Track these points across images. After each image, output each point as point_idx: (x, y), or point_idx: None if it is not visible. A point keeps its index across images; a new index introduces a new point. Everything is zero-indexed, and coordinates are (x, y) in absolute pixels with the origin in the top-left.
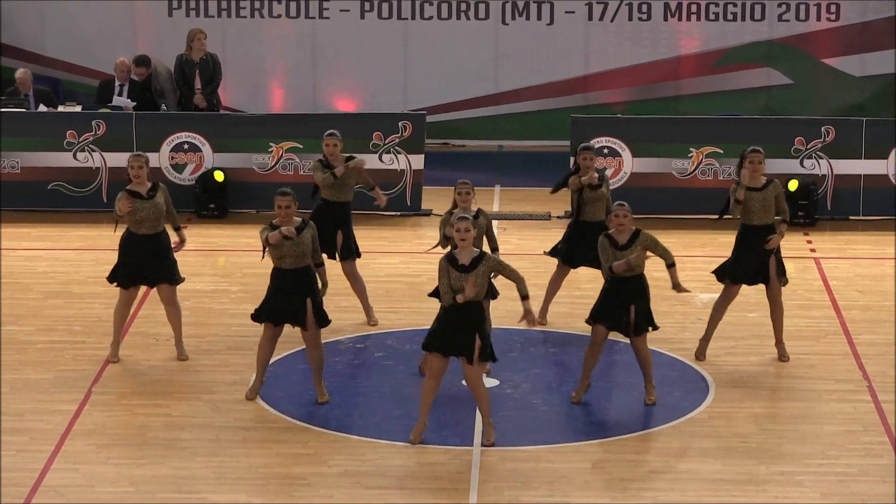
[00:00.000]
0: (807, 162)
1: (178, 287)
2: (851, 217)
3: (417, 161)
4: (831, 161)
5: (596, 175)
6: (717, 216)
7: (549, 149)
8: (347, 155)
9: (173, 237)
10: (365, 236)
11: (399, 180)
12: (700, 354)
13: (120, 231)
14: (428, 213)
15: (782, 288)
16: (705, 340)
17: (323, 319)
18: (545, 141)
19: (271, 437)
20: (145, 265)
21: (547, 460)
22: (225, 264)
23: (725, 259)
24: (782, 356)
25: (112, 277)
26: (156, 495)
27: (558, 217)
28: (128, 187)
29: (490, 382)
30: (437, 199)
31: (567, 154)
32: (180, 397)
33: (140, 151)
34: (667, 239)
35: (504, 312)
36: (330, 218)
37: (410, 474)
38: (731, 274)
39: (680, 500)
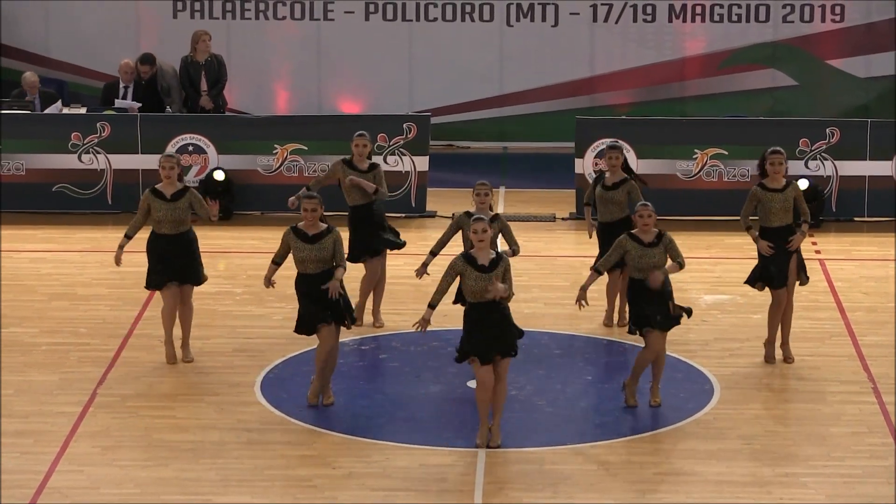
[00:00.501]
0: (812, 163)
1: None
2: (856, 218)
3: (422, 163)
4: (836, 162)
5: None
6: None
7: (554, 150)
8: (371, 162)
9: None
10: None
11: (404, 182)
12: (769, 358)
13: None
14: (433, 215)
15: (798, 287)
16: (770, 344)
17: (350, 318)
18: (550, 143)
19: (276, 439)
20: (169, 264)
21: (552, 462)
22: (225, 268)
23: (753, 265)
24: (787, 358)
25: (147, 284)
26: (160, 497)
27: (563, 219)
28: (156, 186)
29: None
30: (442, 201)
31: (571, 156)
32: (185, 399)
33: (172, 153)
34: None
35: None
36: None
37: (415, 476)
38: (768, 278)
39: (685, 502)
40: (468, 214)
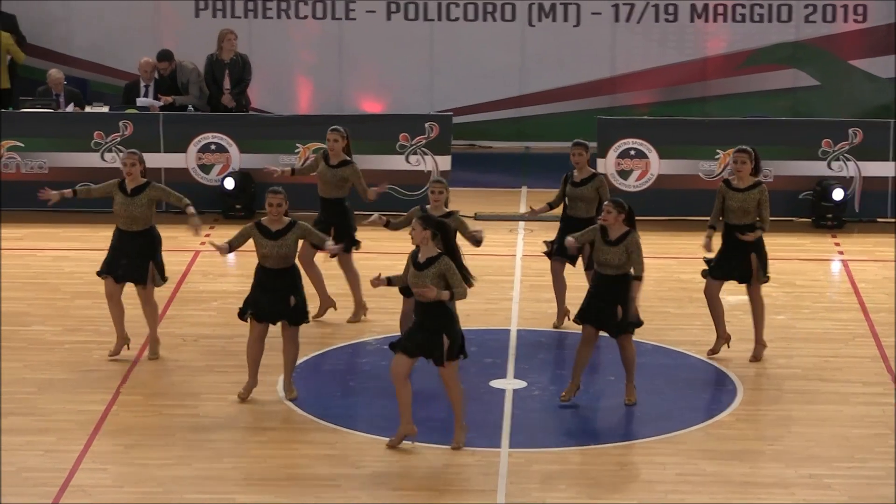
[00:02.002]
0: (834, 164)
1: (204, 288)
2: (879, 219)
3: (444, 162)
4: (859, 163)
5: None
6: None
7: None
8: (343, 159)
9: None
10: (390, 237)
11: (425, 181)
12: (714, 351)
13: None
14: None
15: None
16: (720, 339)
17: (302, 318)
18: (571, 142)
19: (298, 438)
20: (119, 261)
21: (574, 462)
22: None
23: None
24: (757, 357)
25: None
26: (183, 496)
27: None
28: (120, 180)
29: (518, 384)
30: (464, 201)
31: (593, 156)
32: (207, 398)
33: (135, 150)
34: (694, 241)
35: (530, 314)
36: (325, 214)
37: (437, 476)
38: (709, 270)
39: (707, 503)
40: (422, 210)
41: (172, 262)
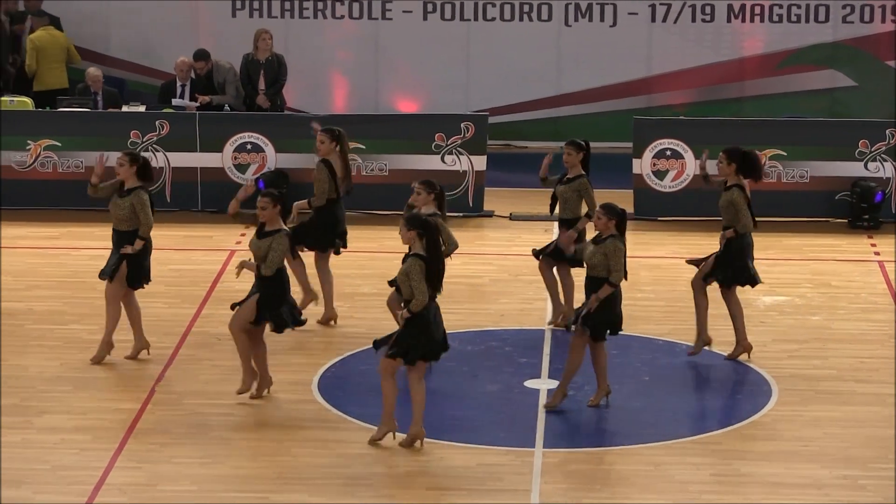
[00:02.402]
0: (871, 165)
1: (239, 287)
2: None
3: (479, 162)
4: None
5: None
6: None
7: (611, 151)
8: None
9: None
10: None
11: (461, 182)
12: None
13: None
14: (490, 215)
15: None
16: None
17: (261, 319)
18: (607, 143)
19: (333, 438)
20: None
21: (608, 462)
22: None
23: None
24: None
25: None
26: (218, 495)
27: None
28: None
29: (552, 384)
30: (500, 201)
31: (629, 156)
32: (242, 397)
33: (131, 151)
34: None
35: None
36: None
37: (472, 475)
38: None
39: (741, 503)
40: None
41: (208, 261)
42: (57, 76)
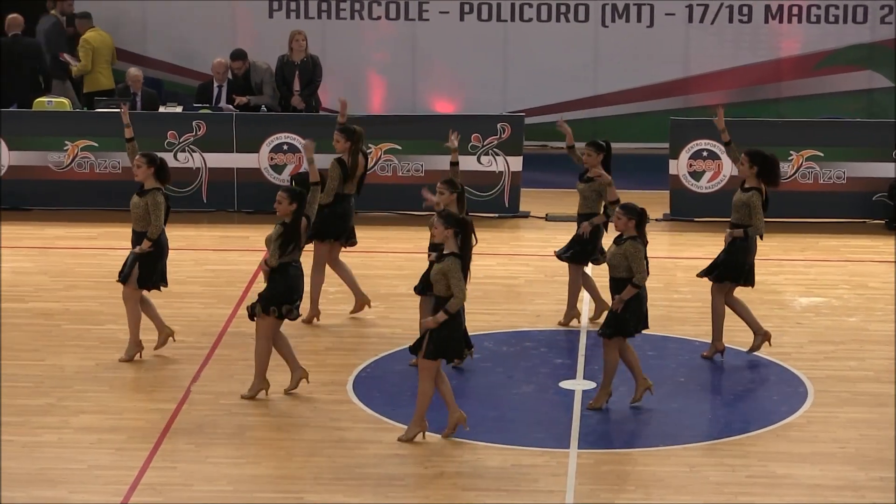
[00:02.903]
0: None
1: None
2: None
3: (516, 163)
4: None
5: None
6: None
7: (648, 151)
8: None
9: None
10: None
11: (497, 182)
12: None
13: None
14: (526, 215)
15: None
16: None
17: (251, 314)
18: (644, 143)
19: (368, 438)
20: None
21: (643, 463)
22: None
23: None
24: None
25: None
26: (253, 495)
27: (656, 220)
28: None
29: (587, 385)
30: (536, 202)
31: (665, 157)
32: (278, 397)
33: (149, 152)
34: (767, 243)
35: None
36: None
37: (506, 476)
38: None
39: None
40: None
41: (243, 261)
42: (107, 77)
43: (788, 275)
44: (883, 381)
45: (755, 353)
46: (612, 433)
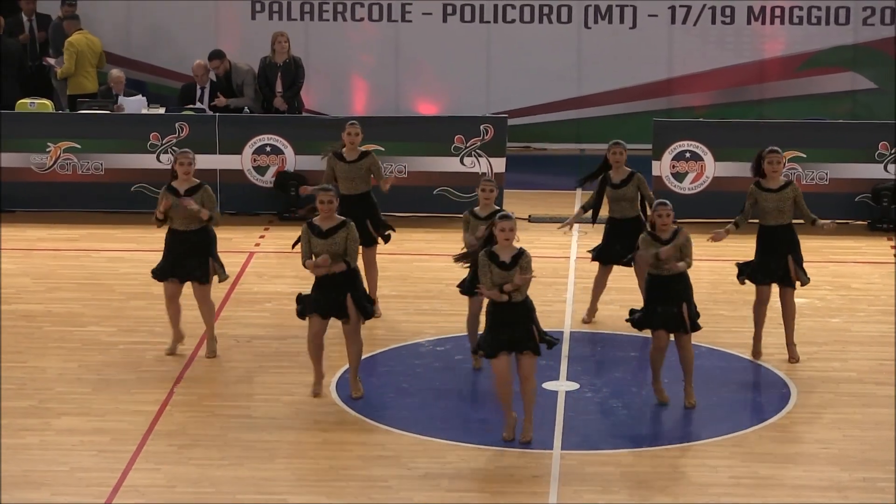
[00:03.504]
0: (891, 167)
1: (258, 289)
2: None
3: (499, 164)
4: None
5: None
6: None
7: (631, 152)
8: (362, 151)
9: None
10: (445, 238)
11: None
12: (756, 354)
13: (163, 230)
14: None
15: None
16: (757, 340)
17: (366, 313)
18: (627, 144)
19: (351, 439)
20: (178, 261)
21: (627, 464)
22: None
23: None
24: (792, 357)
25: (153, 272)
26: (236, 496)
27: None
28: (171, 183)
29: (570, 386)
30: (519, 203)
31: (649, 158)
32: (261, 399)
33: (188, 149)
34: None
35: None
36: (348, 210)
37: (490, 477)
38: (750, 274)
39: None
40: (473, 214)
41: (227, 263)
42: (91, 80)
43: None
44: (866, 382)
45: (741, 354)
46: (596, 434)
